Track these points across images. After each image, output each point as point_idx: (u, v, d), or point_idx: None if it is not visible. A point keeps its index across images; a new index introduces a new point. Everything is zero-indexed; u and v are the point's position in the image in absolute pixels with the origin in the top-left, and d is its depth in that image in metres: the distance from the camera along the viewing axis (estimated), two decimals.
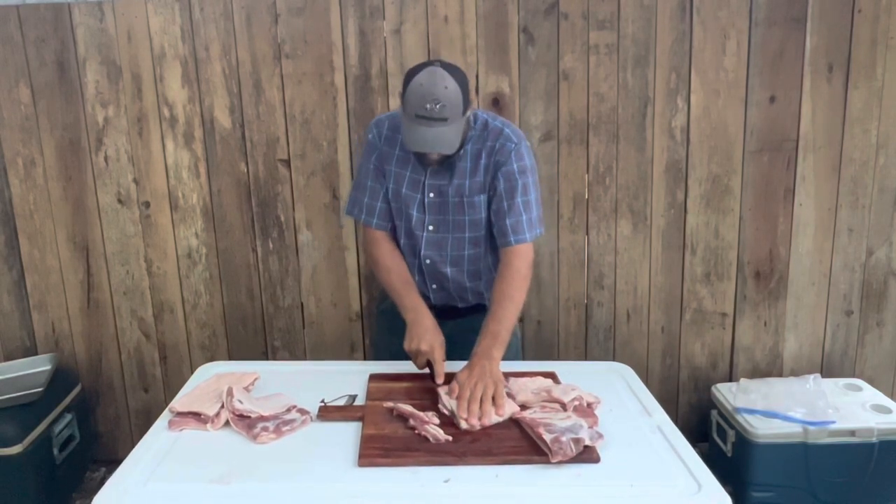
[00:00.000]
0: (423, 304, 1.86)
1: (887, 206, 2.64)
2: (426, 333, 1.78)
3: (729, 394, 2.55)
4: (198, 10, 2.51)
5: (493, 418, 1.56)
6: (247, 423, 1.56)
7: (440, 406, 1.64)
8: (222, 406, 1.61)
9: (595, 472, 1.40)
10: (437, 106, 1.63)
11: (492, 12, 2.49)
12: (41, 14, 2.52)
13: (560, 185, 2.62)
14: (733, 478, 2.38)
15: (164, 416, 1.64)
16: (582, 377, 1.78)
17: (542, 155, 2.58)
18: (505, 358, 1.73)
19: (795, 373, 2.74)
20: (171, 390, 2.74)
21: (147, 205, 2.67)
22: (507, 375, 1.72)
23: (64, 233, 2.70)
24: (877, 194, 2.63)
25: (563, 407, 1.60)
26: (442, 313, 1.94)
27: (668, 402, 2.77)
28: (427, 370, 1.79)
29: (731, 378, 2.78)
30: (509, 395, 1.65)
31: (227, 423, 1.59)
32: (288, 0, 2.50)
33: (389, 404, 1.63)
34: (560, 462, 1.41)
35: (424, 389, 1.73)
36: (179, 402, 1.66)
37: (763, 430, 2.34)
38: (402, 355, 1.83)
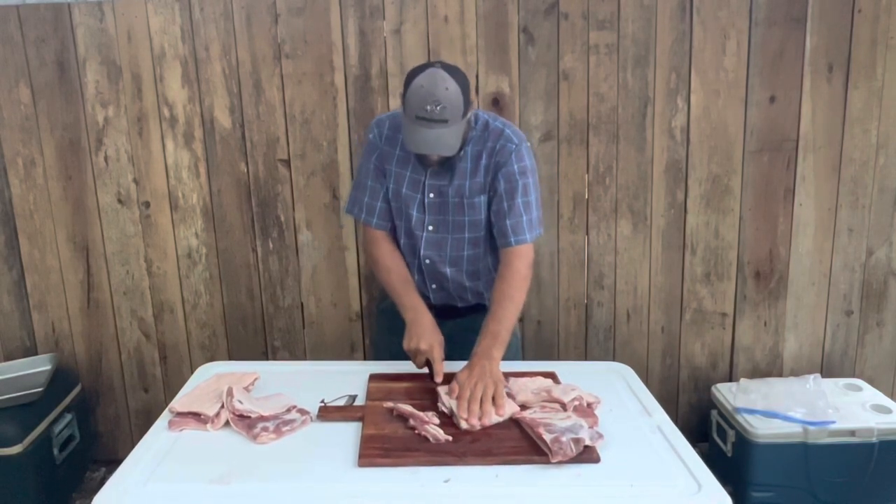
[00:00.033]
0: (422, 304, 1.87)
1: (887, 206, 2.64)
2: (425, 332, 1.78)
3: (729, 394, 2.55)
4: (198, 10, 2.51)
5: (493, 418, 1.56)
6: (247, 423, 1.56)
7: (439, 405, 1.64)
8: (222, 406, 1.61)
9: (595, 472, 1.40)
10: (438, 107, 1.63)
11: (492, 12, 2.49)
12: (41, 14, 2.52)
13: (560, 185, 2.62)
14: (733, 478, 2.38)
15: (164, 416, 1.64)
16: (582, 377, 1.78)
17: (542, 155, 2.58)
18: (505, 358, 1.73)
19: (795, 373, 2.74)
20: (171, 390, 2.74)
21: (147, 205, 2.67)
22: (507, 375, 1.72)
23: (64, 233, 2.70)
24: (877, 194, 2.63)
25: (563, 407, 1.60)
26: (441, 313, 1.94)
27: (668, 402, 2.77)
28: (426, 369, 1.79)
29: (731, 378, 2.78)
30: (509, 395, 1.65)
31: (227, 424, 1.59)
32: (288, 0, 2.50)
33: (389, 404, 1.63)
34: (560, 462, 1.41)
35: (424, 389, 1.73)
36: (179, 402, 1.66)
37: (763, 430, 2.34)
38: (402, 355, 1.83)
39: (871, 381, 2.68)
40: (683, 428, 1.72)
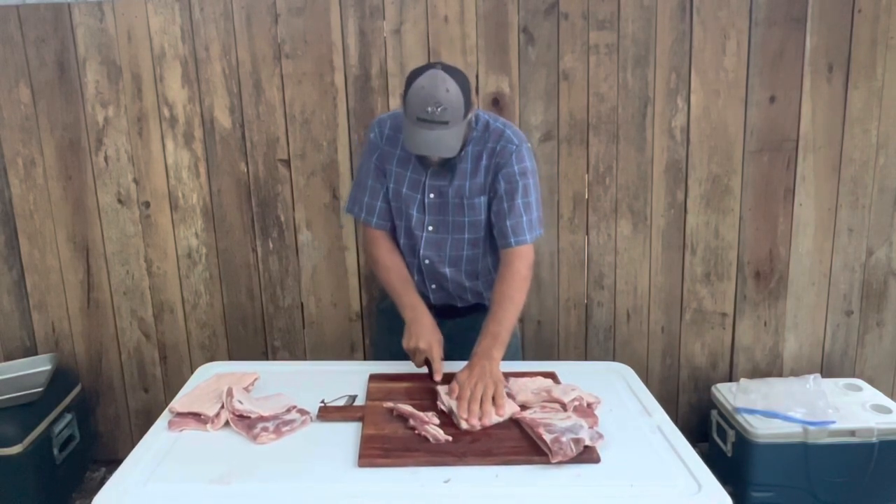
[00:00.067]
0: (421, 303, 1.87)
1: (887, 206, 2.64)
2: (424, 331, 1.79)
3: (729, 394, 2.55)
4: (198, 10, 2.51)
5: (493, 418, 1.56)
6: (247, 423, 1.56)
7: (438, 403, 1.64)
8: (222, 406, 1.61)
9: (595, 473, 1.40)
10: (439, 109, 1.63)
11: (492, 12, 2.49)
12: (41, 14, 2.52)
13: (560, 185, 2.62)
14: (733, 478, 2.38)
15: (164, 417, 1.64)
16: (582, 377, 1.78)
17: (542, 155, 2.58)
18: (505, 358, 1.73)
19: (795, 373, 2.74)
20: (171, 390, 2.74)
21: (147, 205, 2.67)
22: (507, 375, 1.72)
23: (64, 233, 2.70)
24: (877, 194, 2.63)
25: (564, 407, 1.60)
26: (441, 312, 1.94)
27: (668, 402, 2.77)
28: (425, 368, 1.79)
29: (731, 378, 2.78)
30: (509, 396, 1.65)
31: (227, 424, 1.59)
32: (288, 0, 2.50)
33: (389, 404, 1.63)
34: (560, 462, 1.41)
35: (424, 389, 1.73)
36: (179, 402, 1.66)
37: (763, 430, 2.34)
38: (402, 354, 1.83)
39: (871, 381, 2.68)
40: (683, 428, 1.72)
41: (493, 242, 1.90)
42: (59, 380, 2.64)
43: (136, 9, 2.51)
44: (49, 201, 2.67)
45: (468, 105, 1.69)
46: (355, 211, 1.98)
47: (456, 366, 1.72)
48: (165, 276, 2.73)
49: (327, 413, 1.64)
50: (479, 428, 1.54)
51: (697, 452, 1.49)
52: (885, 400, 2.49)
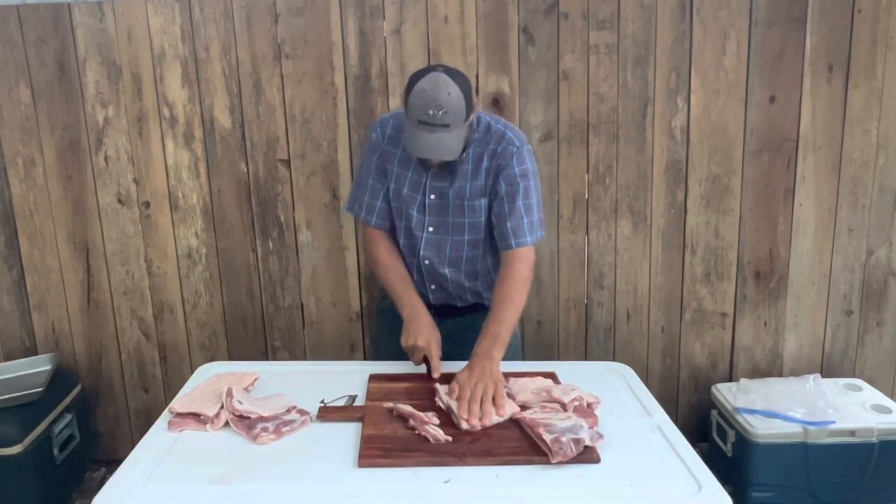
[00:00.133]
0: (420, 302, 1.87)
1: (887, 206, 2.64)
2: (422, 329, 1.79)
3: (729, 394, 2.55)
4: (198, 10, 2.51)
5: (493, 419, 1.56)
6: (246, 423, 1.56)
7: (437, 400, 1.64)
8: (222, 406, 1.61)
9: (595, 473, 1.40)
10: (440, 112, 1.63)
11: (492, 12, 2.49)
12: (41, 14, 2.52)
13: (560, 185, 2.62)
14: (733, 478, 2.38)
15: (164, 417, 1.64)
16: (582, 377, 1.78)
17: (543, 155, 2.58)
18: (505, 358, 1.73)
19: (795, 373, 2.74)
20: (171, 390, 2.74)
21: (147, 205, 2.67)
22: (507, 375, 1.72)
23: (64, 233, 2.70)
24: (877, 194, 2.63)
25: (564, 407, 1.60)
26: (441, 312, 1.95)
27: (668, 402, 2.77)
28: (424, 367, 1.79)
29: (731, 378, 2.78)
30: (509, 396, 1.65)
31: (226, 424, 1.59)
32: (288, 0, 2.50)
33: (389, 405, 1.64)
34: (560, 462, 1.41)
35: (424, 389, 1.73)
36: (179, 402, 1.66)
37: (763, 430, 2.34)
38: (401, 353, 1.83)
39: (871, 381, 2.68)
40: (683, 428, 1.72)
41: (493, 243, 1.90)
42: (59, 380, 2.64)
43: (136, 9, 2.51)
44: (49, 201, 2.67)
45: (469, 108, 1.69)
46: (355, 210, 1.98)
47: (456, 366, 1.72)
48: (165, 276, 2.73)
49: (327, 413, 1.64)
50: (479, 428, 1.54)
51: (697, 452, 1.49)
52: (885, 400, 2.49)
